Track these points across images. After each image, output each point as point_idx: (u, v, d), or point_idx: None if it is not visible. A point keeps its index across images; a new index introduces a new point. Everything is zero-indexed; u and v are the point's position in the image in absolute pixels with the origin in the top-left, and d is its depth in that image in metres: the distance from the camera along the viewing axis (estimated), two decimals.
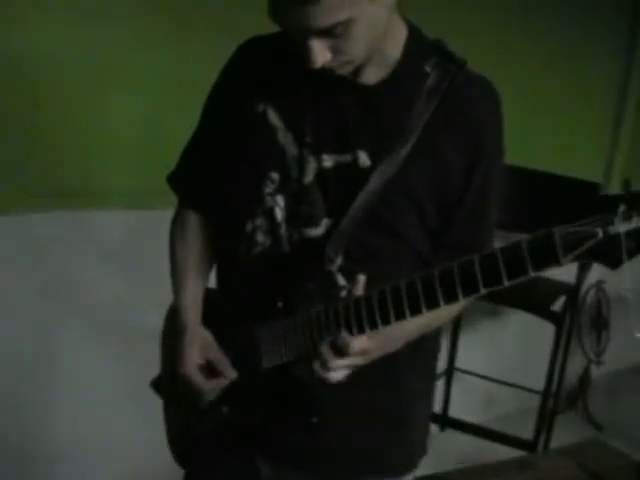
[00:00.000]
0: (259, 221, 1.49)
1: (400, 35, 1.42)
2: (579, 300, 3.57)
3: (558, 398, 3.64)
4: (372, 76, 1.42)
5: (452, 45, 1.44)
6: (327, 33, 1.26)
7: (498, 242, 1.45)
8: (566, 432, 3.59)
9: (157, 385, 1.73)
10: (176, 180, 1.68)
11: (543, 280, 3.39)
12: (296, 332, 1.41)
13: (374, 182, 1.39)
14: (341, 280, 1.42)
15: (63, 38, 2.40)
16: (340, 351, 1.31)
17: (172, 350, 1.57)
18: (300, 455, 1.55)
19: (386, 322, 1.29)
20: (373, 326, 1.30)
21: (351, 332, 1.31)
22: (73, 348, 2.73)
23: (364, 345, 1.32)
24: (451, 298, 1.21)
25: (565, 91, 3.68)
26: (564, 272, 3.32)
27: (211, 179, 1.59)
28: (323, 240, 1.44)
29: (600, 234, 1.10)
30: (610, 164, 4.03)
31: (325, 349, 1.33)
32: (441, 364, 3.69)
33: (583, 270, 3.32)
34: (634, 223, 1.09)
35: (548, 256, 1.12)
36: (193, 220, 1.65)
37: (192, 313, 1.57)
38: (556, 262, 1.12)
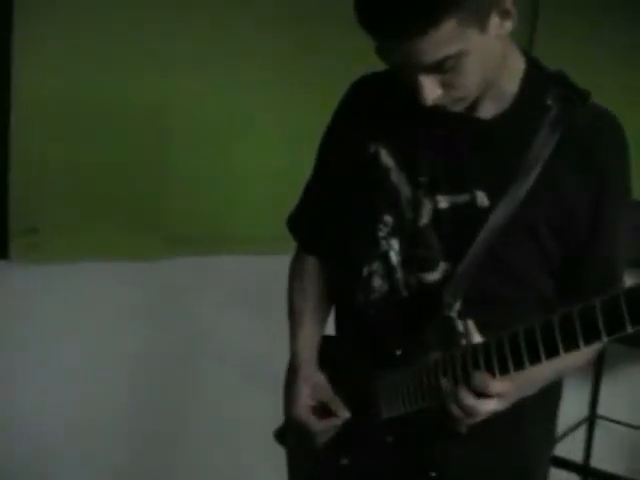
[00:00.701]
0: (375, 266, 1.46)
1: (517, 66, 1.37)
2: None
3: None
4: (489, 111, 1.37)
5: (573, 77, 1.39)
6: (437, 68, 1.22)
7: (630, 281, 1.38)
8: None
9: (280, 435, 1.72)
10: (293, 224, 1.67)
11: None
12: (417, 380, 1.36)
13: (493, 222, 1.34)
14: (460, 326, 1.34)
15: (202, 90, 2.50)
16: (478, 391, 1.25)
17: (287, 394, 1.56)
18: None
19: (519, 367, 1.21)
20: (503, 371, 1.23)
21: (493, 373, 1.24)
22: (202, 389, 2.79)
23: (503, 387, 1.25)
24: (572, 346, 1.12)
25: None
26: None
27: (327, 223, 1.58)
28: (440, 285, 1.40)
29: None
30: None
31: (463, 392, 1.26)
32: (583, 411, 3.59)
33: None
34: None
35: None
36: (311, 265, 1.64)
37: (306, 354, 1.56)
38: None
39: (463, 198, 1.37)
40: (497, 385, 1.24)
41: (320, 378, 1.52)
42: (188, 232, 2.60)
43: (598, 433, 3.64)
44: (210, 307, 2.72)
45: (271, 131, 2.66)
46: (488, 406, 1.26)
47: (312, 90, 2.60)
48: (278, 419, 1.70)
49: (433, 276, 1.41)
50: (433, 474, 1.40)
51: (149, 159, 2.47)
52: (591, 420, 3.63)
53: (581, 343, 1.11)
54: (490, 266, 1.36)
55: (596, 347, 1.38)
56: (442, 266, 1.40)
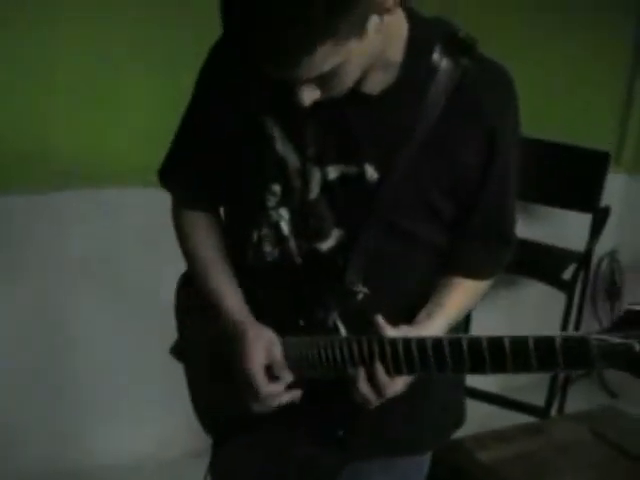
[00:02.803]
0: (265, 231, 1.43)
1: (400, 34, 1.30)
2: (591, 269, 3.57)
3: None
4: (376, 83, 1.31)
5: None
6: (315, 79, 1.17)
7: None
8: (580, 400, 3.61)
9: (178, 352, 1.71)
10: (168, 178, 1.56)
11: (554, 249, 3.46)
12: (322, 355, 1.38)
13: (384, 192, 1.33)
14: (360, 295, 1.39)
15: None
16: (378, 389, 1.32)
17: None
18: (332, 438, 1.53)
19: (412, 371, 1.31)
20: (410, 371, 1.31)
21: (388, 372, 1.31)
22: (87, 318, 2.83)
23: (399, 388, 1.34)
24: (478, 370, 1.23)
25: (577, 58, 3.65)
26: (575, 240, 3.35)
27: (210, 185, 1.51)
28: (335, 252, 1.39)
29: (637, 349, 1.10)
30: (623, 132, 4.02)
31: (364, 386, 1.32)
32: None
33: (593, 238, 3.35)
34: None
35: (581, 360, 1.14)
36: (203, 216, 1.57)
37: (246, 311, 1.47)
38: (588, 367, 1.14)
39: (352, 169, 1.35)
40: (392, 388, 1.32)
41: (273, 336, 1.42)
42: (76, 165, 2.61)
43: None
44: (99, 239, 2.74)
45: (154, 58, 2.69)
46: (396, 387, 1.33)
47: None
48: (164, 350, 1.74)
49: (327, 244, 1.40)
50: (341, 432, 1.47)
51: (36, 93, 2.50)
52: None
53: (487, 370, 1.22)
54: (385, 234, 1.37)
55: (488, 285, 1.53)
56: (335, 234, 1.39)
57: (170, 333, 1.72)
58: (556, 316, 3.35)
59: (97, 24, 2.59)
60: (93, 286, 2.81)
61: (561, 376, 3.51)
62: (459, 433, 2.37)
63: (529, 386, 3.58)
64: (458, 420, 1.69)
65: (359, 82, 1.27)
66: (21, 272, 2.71)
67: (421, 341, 1.27)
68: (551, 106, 3.60)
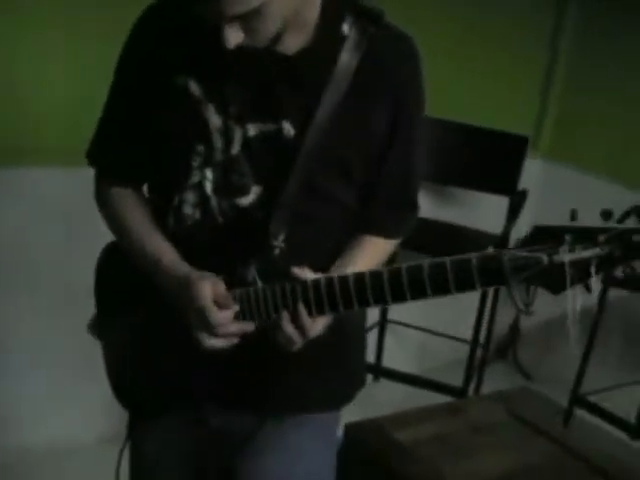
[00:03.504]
0: (187, 194, 1.49)
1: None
2: None
3: (487, 347, 3.74)
4: (292, 43, 1.40)
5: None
6: (240, 17, 1.26)
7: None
8: (496, 381, 3.70)
9: (94, 328, 1.72)
10: (95, 155, 1.62)
11: (471, 231, 3.50)
12: (246, 305, 1.44)
13: (300, 150, 1.41)
14: (277, 250, 1.45)
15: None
16: (302, 330, 1.39)
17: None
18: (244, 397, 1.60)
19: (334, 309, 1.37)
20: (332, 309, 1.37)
21: (310, 313, 1.38)
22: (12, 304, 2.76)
23: (320, 328, 1.41)
24: (399, 299, 1.30)
25: (492, 49, 3.71)
26: (492, 223, 3.40)
27: (133, 154, 1.56)
28: (255, 207, 1.46)
29: (545, 261, 1.17)
30: (540, 118, 4.09)
31: (289, 327, 1.39)
32: (374, 316, 3.74)
33: (510, 222, 3.40)
34: (577, 254, 1.16)
35: (495, 277, 1.22)
36: (133, 194, 1.62)
37: (186, 264, 1.50)
38: (502, 283, 1.22)
39: (271, 127, 1.43)
40: (316, 327, 1.40)
41: (213, 275, 1.45)
42: None
43: (389, 336, 3.82)
44: (15, 220, 2.67)
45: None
46: (318, 327, 1.40)
47: None
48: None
49: (247, 200, 1.46)
50: (252, 392, 1.57)
51: None
52: (382, 324, 3.80)
53: (408, 297, 1.29)
54: (302, 191, 1.44)
55: (394, 244, 1.63)
56: (255, 190, 1.46)
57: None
58: (474, 298, 3.38)
59: None
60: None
61: (478, 356, 3.57)
62: (377, 414, 2.41)
63: (446, 367, 3.66)
64: (362, 381, 1.76)
65: (276, 41, 1.35)
66: None
67: (343, 277, 1.34)
68: (473, 93, 3.65)
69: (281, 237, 1.45)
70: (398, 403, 3.24)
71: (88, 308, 1.72)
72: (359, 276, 1.33)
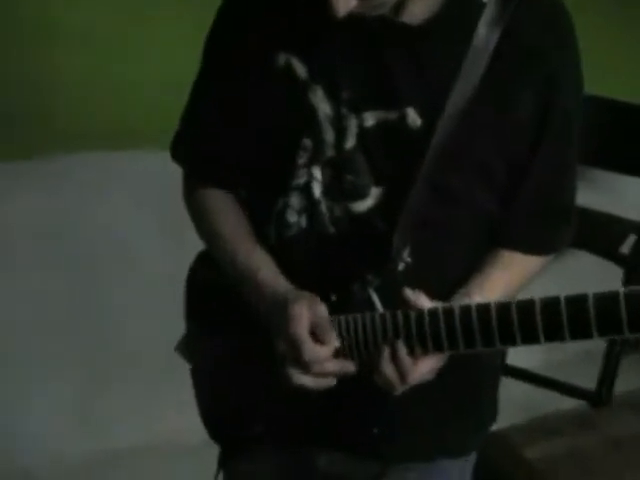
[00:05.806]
0: (292, 199, 1.33)
1: None
2: None
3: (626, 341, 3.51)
4: (417, 13, 1.21)
5: None
6: None
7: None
8: (632, 377, 3.40)
9: (185, 349, 1.61)
10: (181, 151, 1.47)
11: (611, 217, 3.26)
12: (355, 336, 1.28)
13: (430, 143, 1.23)
14: (401, 265, 1.29)
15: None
16: (401, 371, 1.22)
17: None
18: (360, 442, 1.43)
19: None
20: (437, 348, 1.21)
21: (412, 352, 1.21)
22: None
23: (425, 371, 1.24)
24: (528, 340, 1.14)
25: None
26: (633, 208, 3.22)
27: (227, 151, 1.40)
28: (375, 214, 1.29)
29: None
30: None
31: (387, 366, 1.22)
32: None
33: None
34: None
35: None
36: (221, 195, 1.46)
37: (283, 279, 1.36)
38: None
39: (393, 115, 1.25)
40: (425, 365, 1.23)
41: (314, 296, 1.30)
42: (85, 126, 2.56)
43: None
44: (113, 209, 2.66)
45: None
46: (421, 369, 1.23)
47: None
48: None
49: (365, 204, 1.30)
50: (375, 430, 1.36)
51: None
52: None
53: (541, 340, 1.12)
54: (431, 194, 1.27)
55: (542, 262, 1.41)
56: (374, 192, 1.29)
57: None
58: (609, 288, 3.18)
59: None
60: None
61: (615, 351, 3.31)
62: (502, 415, 2.25)
63: (576, 362, 3.45)
64: (494, 414, 1.57)
65: (398, 9, 1.19)
66: None
67: (448, 310, 1.18)
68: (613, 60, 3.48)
69: (407, 250, 1.29)
70: (523, 404, 3.08)
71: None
72: (465, 309, 1.16)
